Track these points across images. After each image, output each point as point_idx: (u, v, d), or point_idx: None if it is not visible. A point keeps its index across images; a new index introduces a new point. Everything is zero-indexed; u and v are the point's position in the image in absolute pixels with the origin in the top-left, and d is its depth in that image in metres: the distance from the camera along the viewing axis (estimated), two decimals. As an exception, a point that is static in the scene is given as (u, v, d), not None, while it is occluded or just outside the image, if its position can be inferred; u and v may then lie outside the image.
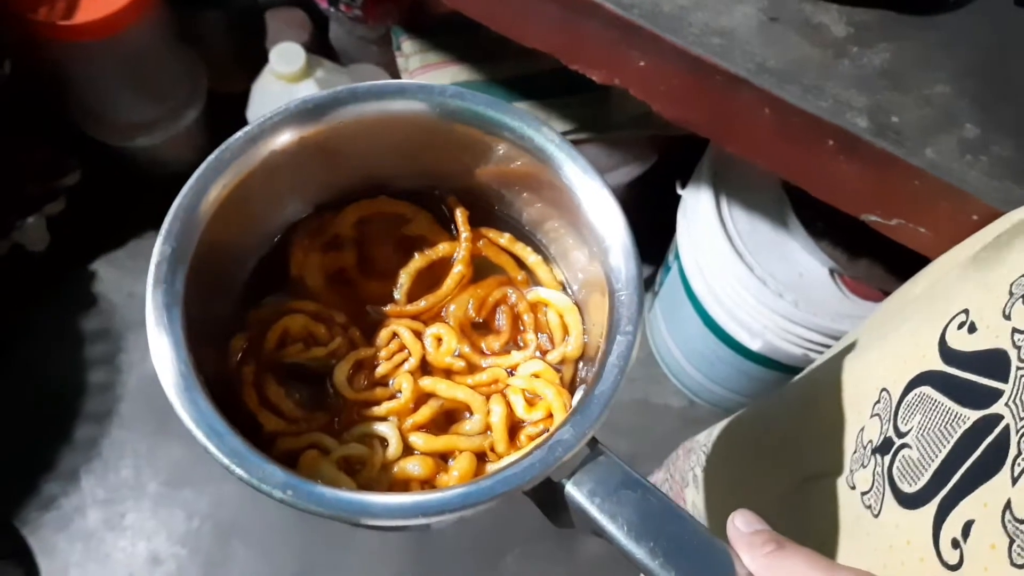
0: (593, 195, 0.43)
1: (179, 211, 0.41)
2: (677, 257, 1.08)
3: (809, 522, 0.50)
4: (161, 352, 0.38)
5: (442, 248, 0.50)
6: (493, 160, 0.47)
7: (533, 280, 0.51)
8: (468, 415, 0.47)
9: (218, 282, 0.45)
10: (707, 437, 0.76)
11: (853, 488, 0.46)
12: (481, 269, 0.51)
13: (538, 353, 0.48)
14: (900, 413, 0.43)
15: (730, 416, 0.75)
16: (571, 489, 0.38)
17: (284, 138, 0.44)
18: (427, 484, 0.44)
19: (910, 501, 0.40)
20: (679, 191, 1.06)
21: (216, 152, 0.42)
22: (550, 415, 0.45)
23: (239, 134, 0.43)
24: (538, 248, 0.51)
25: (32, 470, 1.25)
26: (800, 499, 0.53)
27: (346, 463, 0.44)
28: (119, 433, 1.27)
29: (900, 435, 0.42)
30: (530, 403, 0.46)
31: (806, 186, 0.60)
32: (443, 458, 0.45)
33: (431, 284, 0.50)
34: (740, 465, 0.66)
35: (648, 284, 1.29)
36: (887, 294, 0.92)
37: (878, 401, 0.46)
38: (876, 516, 0.43)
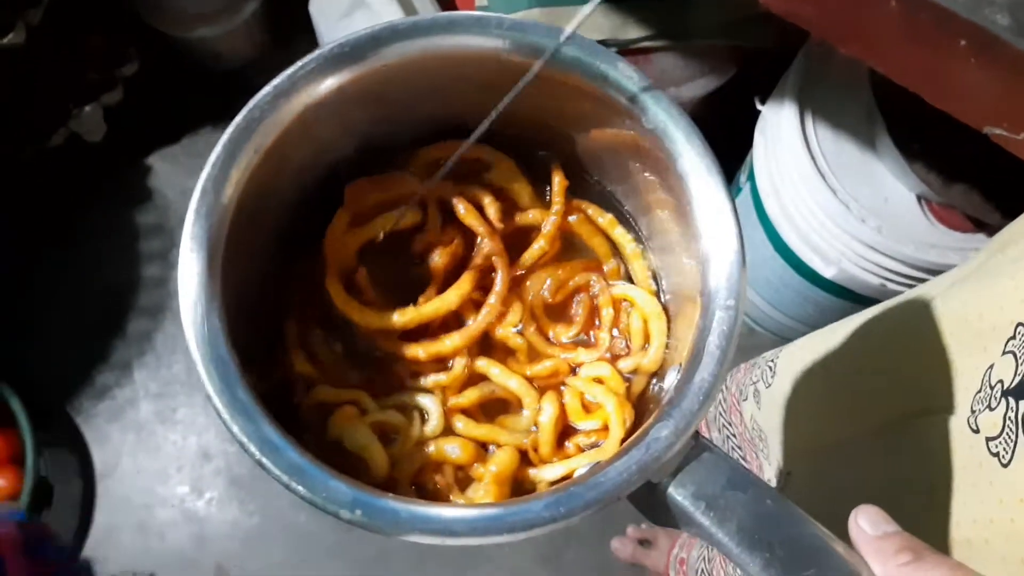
0: (708, 191, 0.36)
1: (207, 187, 0.35)
2: (751, 177, 1.03)
3: (914, 463, 0.46)
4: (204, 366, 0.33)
5: (529, 215, 0.45)
6: (593, 120, 0.40)
7: (624, 272, 0.45)
8: (519, 408, 0.43)
9: (256, 241, 0.40)
10: (775, 354, 0.73)
11: (976, 431, 0.41)
12: (569, 246, 0.45)
13: (608, 355, 0.43)
14: None
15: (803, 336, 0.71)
16: (673, 492, 0.33)
17: (322, 87, 0.38)
18: (462, 470, 0.41)
19: None
20: (758, 107, 1.00)
21: (243, 113, 0.36)
22: (606, 427, 0.41)
23: (267, 89, 0.37)
24: (639, 238, 0.45)
25: (87, 360, 1.26)
26: (900, 437, 0.48)
27: (381, 430, 0.41)
28: (172, 328, 1.27)
29: None
30: (587, 408, 0.42)
31: (926, 92, 0.55)
32: (483, 447, 0.42)
33: (509, 246, 0.44)
34: (818, 391, 0.62)
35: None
36: (979, 224, 0.87)
37: (1013, 337, 0.40)
38: (1006, 465, 0.38)
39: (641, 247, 0.45)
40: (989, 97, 0.52)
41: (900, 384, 0.50)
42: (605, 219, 0.45)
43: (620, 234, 0.45)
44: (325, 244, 0.43)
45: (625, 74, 0.37)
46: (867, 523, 0.33)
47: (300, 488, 0.32)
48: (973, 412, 0.41)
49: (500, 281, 0.43)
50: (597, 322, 0.44)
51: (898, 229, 0.87)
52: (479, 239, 0.43)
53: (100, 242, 1.32)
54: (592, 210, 0.45)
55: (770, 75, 0.99)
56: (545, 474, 0.40)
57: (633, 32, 1.02)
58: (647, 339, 0.43)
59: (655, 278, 0.44)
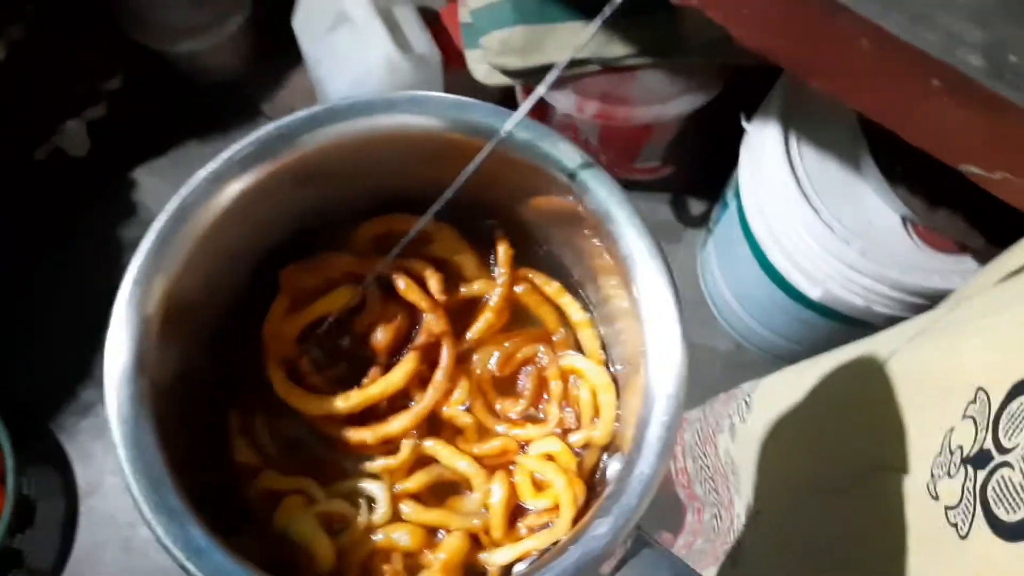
0: (649, 276, 0.35)
1: (138, 277, 0.34)
2: (737, 195, 1.02)
3: (876, 522, 0.45)
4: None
5: (475, 286, 0.43)
6: (537, 191, 0.40)
7: (573, 342, 0.44)
8: (468, 491, 0.41)
9: (191, 332, 0.39)
10: (752, 387, 0.72)
11: (936, 498, 0.40)
12: (516, 316, 0.44)
13: (558, 430, 0.42)
14: (1002, 424, 0.36)
15: (782, 368, 0.70)
16: None
17: (260, 170, 0.36)
18: (411, 558, 0.40)
19: (1008, 532, 0.34)
20: (744, 124, 0.99)
21: (176, 199, 0.35)
22: (557, 506, 0.39)
23: (201, 174, 0.36)
24: (587, 306, 0.44)
25: (70, 376, 1.25)
26: (864, 490, 0.47)
27: (327, 520, 0.40)
28: (157, 344, 1.26)
29: (1002, 451, 0.35)
30: (538, 487, 0.41)
31: (899, 129, 0.54)
32: (433, 531, 0.41)
33: (454, 318, 0.43)
34: (790, 433, 0.61)
35: (703, 221, 1.24)
36: (965, 248, 0.86)
37: (973, 401, 0.39)
38: (963, 538, 0.37)
39: (589, 315, 0.44)
40: (964, 136, 0.51)
41: (863, 437, 0.49)
42: (552, 287, 0.44)
43: (567, 303, 0.44)
44: (264, 333, 0.42)
45: (567, 154, 0.36)
46: None
47: None
48: (933, 477, 0.40)
49: (446, 357, 0.42)
50: (546, 395, 0.43)
51: (882, 251, 0.86)
52: (423, 314, 0.42)
53: (85, 257, 1.30)
54: (539, 279, 0.44)
55: (757, 92, 0.98)
56: (496, 557, 0.39)
57: (618, 49, 1.01)
58: (597, 411, 0.42)
59: (604, 347, 0.43)
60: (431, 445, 0.41)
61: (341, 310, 0.42)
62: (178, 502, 0.32)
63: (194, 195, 0.36)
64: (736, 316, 1.18)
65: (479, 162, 0.36)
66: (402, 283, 0.42)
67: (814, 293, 0.94)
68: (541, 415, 0.43)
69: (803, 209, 0.88)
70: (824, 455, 0.53)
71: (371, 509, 0.40)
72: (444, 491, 0.42)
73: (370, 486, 0.41)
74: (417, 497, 0.41)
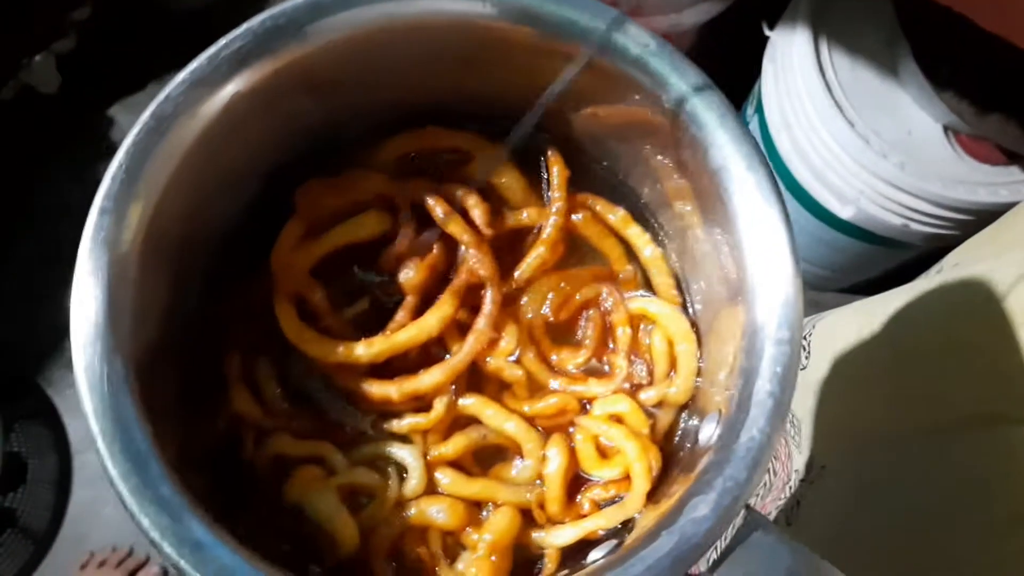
0: (748, 192, 0.28)
1: (105, 206, 0.28)
2: (759, 109, 0.95)
3: (977, 477, 0.39)
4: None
5: (524, 215, 0.36)
6: (595, 95, 0.32)
7: (642, 281, 0.37)
8: (518, 457, 0.35)
9: (179, 267, 0.33)
10: (808, 327, 0.65)
11: None
12: (574, 251, 0.37)
13: (627, 385, 0.35)
14: None
15: (840, 307, 0.63)
16: None
17: (254, 72, 0.30)
18: (451, 537, 0.33)
19: None
20: (767, 32, 0.92)
21: (151, 109, 0.29)
22: (628, 477, 0.33)
23: (181, 77, 0.29)
24: (658, 238, 0.37)
25: (56, 328, 1.19)
26: (961, 442, 0.41)
27: (349, 492, 0.33)
28: (144, 292, 1.20)
29: None
30: (603, 454, 0.34)
31: (978, 14, 0.47)
32: (477, 506, 0.34)
33: (499, 253, 0.36)
34: (859, 378, 0.54)
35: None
36: (1013, 158, 0.79)
37: None
38: None
39: (661, 249, 0.37)
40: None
41: (965, 380, 0.42)
42: (617, 216, 0.37)
43: (635, 234, 0.37)
44: (272, 262, 0.35)
45: (684, 74, 0.29)
46: None
47: None
48: None
49: (490, 300, 0.35)
50: (611, 345, 0.36)
51: (922, 164, 0.80)
52: (462, 249, 0.35)
53: (64, 201, 1.23)
54: (601, 206, 0.37)
55: (778, -2, 0.91)
56: (554, 538, 0.33)
57: (627, -48, 0.93)
58: (673, 364, 0.35)
59: (680, 287, 0.36)
60: (471, 403, 0.35)
61: (368, 239, 0.35)
62: (168, 488, 0.26)
63: (173, 104, 0.29)
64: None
65: (580, 66, 0.28)
66: (441, 211, 0.35)
67: (845, 213, 0.88)
68: (606, 368, 0.36)
69: (836, 121, 0.82)
70: (907, 401, 0.47)
71: (402, 480, 0.34)
72: (490, 458, 0.36)
73: (399, 451, 0.34)
74: (456, 465, 0.35)
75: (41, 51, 1.14)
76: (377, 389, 0.34)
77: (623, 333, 0.36)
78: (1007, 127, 0.73)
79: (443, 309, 0.35)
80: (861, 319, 0.54)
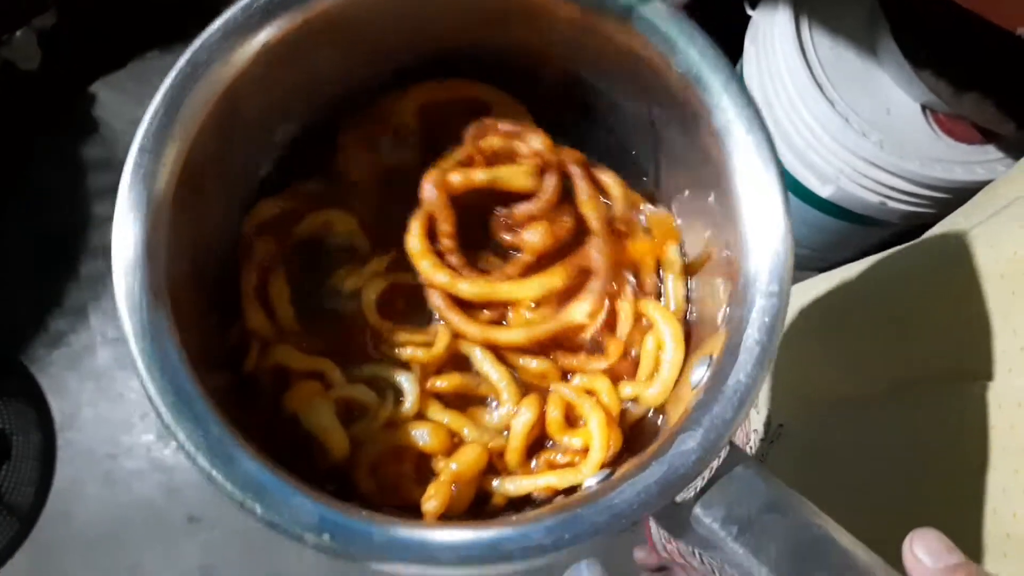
0: (747, 153, 0.30)
1: (144, 144, 0.30)
2: (741, 89, 0.95)
3: (936, 437, 0.40)
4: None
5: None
6: (615, 60, 0.33)
7: (656, 289, 0.38)
8: (496, 405, 0.37)
9: (217, 197, 0.35)
10: None
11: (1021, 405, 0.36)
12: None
13: (605, 365, 0.36)
14: None
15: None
16: (700, 513, 0.28)
17: (282, 25, 0.31)
18: (424, 461, 0.35)
19: None
20: (748, 11, 0.92)
21: (187, 56, 0.30)
22: (586, 450, 0.35)
23: (216, 25, 0.30)
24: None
25: (39, 306, 1.19)
26: (919, 402, 0.42)
27: (344, 406, 0.35)
28: (128, 270, 1.20)
29: None
30: (569, 423, 0.36)
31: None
32: (459, 441, 0.36)
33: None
34: (818, 336, 0.55)
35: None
36: (989, 137, 0.81)
37: None
38: None
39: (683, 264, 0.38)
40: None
41: (922, 338, 0.43)
42: (666, 223, 0.38)
43: (672, 251, 0.38)
44: (430, 176, 0.36)
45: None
46: (925, 553, 0.27)
47: (257, 508, 0.27)
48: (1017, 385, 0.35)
49: (593, 300, 0.35)
50: (612, 330, 0.37)
51: (901, 143, 0.81)
52: (590, 237, 0.36)
53: (46, 179, 1.23)
54: (656, 216, 0.38)
55: (761, -24, 0.91)
56: (508, 486, 0.35)
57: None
58: (657, 367, 0.36)
59: (687, 297, 0.38)
60: (478, 355, 0.36)
61: (517, 190, 0.36)
62: (202, 405, 0.28)
63: (207, 51, 0.30)
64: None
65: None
66: (585, 193, 0.36)
67: (825, 191, 0.89)
68: (603, 347, 0.37)
69: (817, 101, 0.83)
70: (865, 359, 0.48)
71: (396, 402, 0.36)
72: (471, 403, 0.37)
73: (400, 377, 0.36)
74: (443, 399, 0.37)
75: (22, 26, 1.13)
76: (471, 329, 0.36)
77: (625, 321, 0.37)
78: (983, 106, 0.75)
79: (552, 280, 0.36)
80: (820, 283, 0.55)
